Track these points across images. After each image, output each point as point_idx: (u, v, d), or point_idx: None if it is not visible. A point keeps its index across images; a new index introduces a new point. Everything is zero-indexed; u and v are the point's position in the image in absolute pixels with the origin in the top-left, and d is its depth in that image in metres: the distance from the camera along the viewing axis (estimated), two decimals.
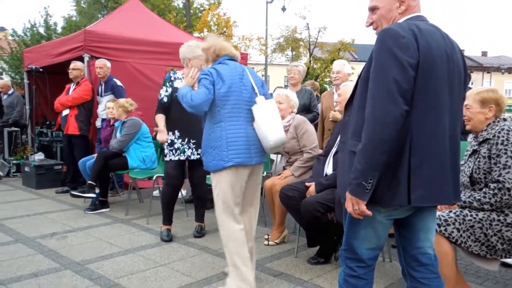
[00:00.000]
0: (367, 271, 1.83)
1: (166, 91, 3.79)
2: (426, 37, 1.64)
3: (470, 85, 7.22)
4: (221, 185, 2.68)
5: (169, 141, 3.77)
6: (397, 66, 1.57)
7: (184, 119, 3.72)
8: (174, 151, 3.77)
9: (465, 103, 2.56)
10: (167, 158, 3.79)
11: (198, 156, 3.77)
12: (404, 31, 1.61)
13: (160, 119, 3.82)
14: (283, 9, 18.15)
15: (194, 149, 3.77)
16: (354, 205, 1.66)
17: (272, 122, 2.73)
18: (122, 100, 4.93)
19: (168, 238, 3.83)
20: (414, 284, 1.87)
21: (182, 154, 3.77)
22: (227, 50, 2.84)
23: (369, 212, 1.65)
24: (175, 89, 3.73)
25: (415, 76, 1.60)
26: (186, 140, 3.76)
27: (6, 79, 8.80)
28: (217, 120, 2.67)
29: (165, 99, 3.78)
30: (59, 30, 18.54)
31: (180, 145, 3.77)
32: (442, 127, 1.68)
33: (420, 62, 1.60)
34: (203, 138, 2.76)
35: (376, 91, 1.60)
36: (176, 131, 3.77)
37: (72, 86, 5.76)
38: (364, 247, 1.80)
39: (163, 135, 3.78)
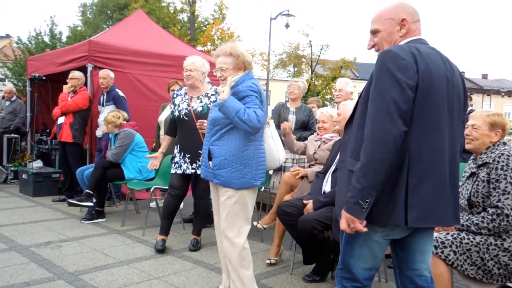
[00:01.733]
0: None
1: (171, 107, 3.96)
2: (426, 60, 1.66)
3: (471, 107, 7.18)
4: (246, 202, 2.66)
5: (174, 154, 3.91)
6: (396, 87, 1.59)
7: (182, 134, 3.86)
8: (174, 164, 3.88)
9: (473, 123, 2.59)
10: (173, 171, 3.92)
11: (194, 171, 3.79)
12: (404, 53, 1.64)
13: (164, 140, 4.07)
14: (287, 26, 18.33)
15: (189, 164, 3.79)
16: (349, 223, 1.66)
17: (280, 142, 2.88)
18: (108, 117, 4.91)
19: (161, 248, 3.81)
20: None
21: (179, 168, 3.83)
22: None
23: (364, 229, 1.65)
24: (174, 105, 3.89)
25: (414, 98, 1.62)
26: (182, 154, 3.82)
27: (10, 85, 8.83)
28: (251, 139, 2.62)
29: (171, 116, 3.98)
30: (64, 39, 18.66)
31: (178, 159, 3.84)
32: (441, 148, 1.69)
33: (419, 84, 1.63)
34: (229, 153, 2.59)
35: (375, 111, 1.62)
36: (177, 146, 3.89)
37: (69, 96, 5.78)
38: (360, 266, 1.79)
39: (154, 162, 4.03)
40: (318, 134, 4.01)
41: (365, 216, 1.63)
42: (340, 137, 3.84)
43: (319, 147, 3.92)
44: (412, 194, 1.63)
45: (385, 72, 1.63)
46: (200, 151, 3.77)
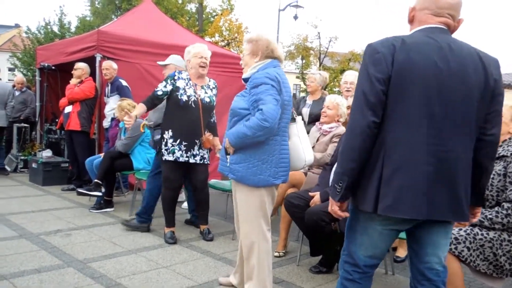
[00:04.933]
0: (362, 276, 1.86)
1: (165, 86, 3.70)
2: (409, 51, 1.65)
3: None
4: (263, 201, 2.52)
5: (164, 140, 3.73)
6: (367, 80, 1.69)
7: (179, 120, 3.71)
8: (166, 150, 3.72)
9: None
10: (163, 158, 3.73)
11: (187, 159, 3.72)
12: (382, 46, 1.68)
13: (140, 107, 3.70)
14: (295, 17, 18.22)
15: (184, 151, 3.70)
16: (331, 205, 1.84)
17: (308, 142, 2.70)
18: (124, 103, 4.92)
19: (173, 241, 3.82)
20: None
21: (170, 155, 3.69)
22: (279, 51, 2.63)
23: (340, 213, 1.83)
24: (176, 88, 3.69)
25: (387, 90, 1.66)
26: (178, 141, 3.69)
27: (20, 76, 8.89)
28: (273, 133, 2.44)
29: (159, 93, 3.68)
30: (72, 29, 18.71)
31: (171, 145, 3.70)
32: (418, 141, 1.66)
33: (393, 76, 1.65)
34: (246, 147, 2.46)
35: (353, 103, 1.75)
36: (170, 131, 3.71)
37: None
38: (361, 253, 1.85)
39: (127, 119, 3.60)
40: (320, 123, 3.88)
41: (339, 198, 1.77)
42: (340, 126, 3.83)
43: (317, 140, 3.77)
44: (384, 184, 1.67)
45: (362, 66, 1.73)
46: (197, 141, 3.73)
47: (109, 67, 5.55)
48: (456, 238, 2.36)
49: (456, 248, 2.33)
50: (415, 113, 1.65)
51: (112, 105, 5.43)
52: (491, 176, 2.45)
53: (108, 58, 5.77)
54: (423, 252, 1.84)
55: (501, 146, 2.50)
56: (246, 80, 2.57)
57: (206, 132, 3.81)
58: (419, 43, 1.69)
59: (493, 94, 1.74)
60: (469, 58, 1.71)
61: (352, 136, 1.70)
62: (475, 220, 1.88)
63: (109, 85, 5.64)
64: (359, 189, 1.75)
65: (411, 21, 1.81)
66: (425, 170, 1.66)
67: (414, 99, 1.65)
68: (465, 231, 2.39)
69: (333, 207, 1.83)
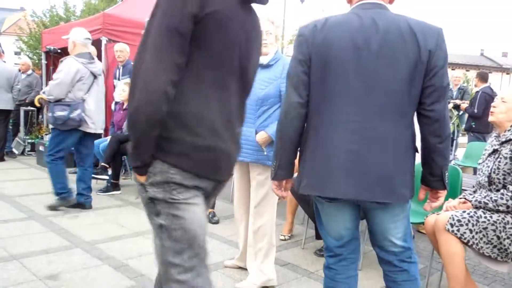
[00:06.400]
0: (336, 261, 1.85)
1: None
2: (328, 31, 1.63)
3: (488, 84, 6.90)
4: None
5: None
6: (291, 62, 1.73)
7: None
8: None
9: (503, 95, 2.55)
10: None
11: None
12: (306, 28, 1.69)
13: None
14: (301, 0, 17.98)
15: None
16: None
17: None
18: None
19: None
20: (385, 274, 1.88)
21: None
22: None
23: (277, 192, 1.85)
24: None
25: (309, 71, 1.67)
26: None
27: (26, 58, 8.88)
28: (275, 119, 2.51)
29: None
30: (78, 12, 18.60)
31: None
32: (338, 119, 1.62)
33: (313, 57, 1.65)
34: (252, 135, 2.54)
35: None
36: None
37: None
38: (329, 236, 1.85)
39: None
40: None
41: (272, 177, 1.81)
42: None
43: None
44: (305, 164, 1.71)
45: None
46: None
47: (123, 49, 5.55)
48: (458, 220, 2.36)
49: (458, 230, 2.34)
50: (335, 93, 1.63)
51: None
52: (499, 159, 2.44)
53: (114, 41, 5.75)
54: (374, 236, 1.84)
55: (509, 130, 2.48)
56: (267, 65, 2.53)
57: None
58: (340, 22, 1.64)
59: (428, 68, 1.60)
60: (395, 33, 1.59)
61: (281, 114, 1.76)
62: (436, 205, 1.78)
63: (121, 67, 5.63)
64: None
65: (349, 1, 1.75)
66: (345, 148, 1.61)
67: (333, 78, 1.62)
68: (468, 213, 2.39)
69: (273, 186, 1.86)
